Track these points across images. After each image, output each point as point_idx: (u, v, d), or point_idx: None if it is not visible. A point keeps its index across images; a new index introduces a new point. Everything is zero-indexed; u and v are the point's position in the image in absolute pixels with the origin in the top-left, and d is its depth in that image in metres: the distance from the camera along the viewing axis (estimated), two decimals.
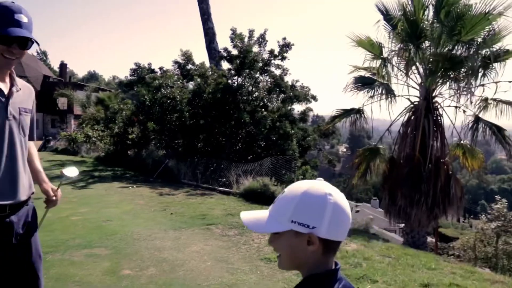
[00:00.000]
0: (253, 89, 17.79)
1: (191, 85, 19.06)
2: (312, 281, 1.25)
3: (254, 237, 6.62)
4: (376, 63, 12.21)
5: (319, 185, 1.26)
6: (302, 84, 19.02)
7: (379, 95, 12.04)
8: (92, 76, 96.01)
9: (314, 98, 19.09)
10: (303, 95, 18.58)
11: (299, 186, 1.26)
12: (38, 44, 2.35)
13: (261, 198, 9.75)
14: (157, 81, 16.64)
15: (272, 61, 18.34)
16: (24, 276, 2.51)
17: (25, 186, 2.46)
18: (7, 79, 2.41)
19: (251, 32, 18.47)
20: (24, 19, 2.26)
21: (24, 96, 2.49)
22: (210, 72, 17.62)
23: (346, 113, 12.85)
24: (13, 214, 2.38)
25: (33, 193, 2.57)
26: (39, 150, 25.08)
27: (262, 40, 18.41)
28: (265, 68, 18.23)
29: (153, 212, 8.65)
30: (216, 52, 21.05)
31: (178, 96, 15.85)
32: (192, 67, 19.49)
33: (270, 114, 16.74)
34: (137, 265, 5.29)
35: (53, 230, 6.63)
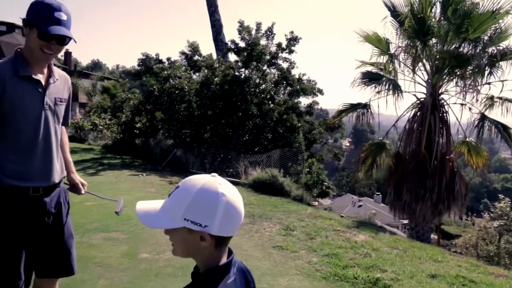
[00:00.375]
0: (260, 81, 17.92)
1: (195, 76, 19.16)
2: (211, 275, 1.31)
3: (265, 226, 6.81)
4: (383, 59, 12.37)
5: (213, 184, 1.28)
6: (309, 77, 19.16)
7: (386, 91, 12.19)
8: (96, 65, 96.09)
9: (321, 91, 19.20)
10: (310, 89, 18.68)
11: (194, 183, 1.29)
12: (75, 41, 2.50)
13: (270, 189, 9.91)
14: (165, 72, 16.76)
15: (280, 54, 18.45)
16: (58, 253, 2.70)
17: (57, 170, 2.65)
18: (45, 71, 2.58)
19: (258, 25, 18.58)
20: (63, 16, 2.40)
21: (60, 86, 2.67)
22: (218, 64, 17.75)
23: (352, 107, 13.01)
24: (46, 195, 2.57)
25: (64, 176, 2.77)
26: None
27: (269, 33, 18.51)
28: (273, 61, 18.35)
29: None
30: (223, 44, 21.14)
31: (186, 87, 15.98)
32: (199, 58, 19.58)
33: (277, 107, 16.89)
34: (154, 249, 5.48)
35: (72, 214, 6.80)
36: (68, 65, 60.85)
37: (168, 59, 19.92)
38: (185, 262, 5.03)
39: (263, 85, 17.90)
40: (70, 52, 61.93)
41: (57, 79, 2.62)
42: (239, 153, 13.37)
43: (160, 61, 19.57)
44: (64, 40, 2.45)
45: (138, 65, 19.67)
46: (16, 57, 2.48)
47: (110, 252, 5.29)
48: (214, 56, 19.87)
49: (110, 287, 4.35)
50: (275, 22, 18.66)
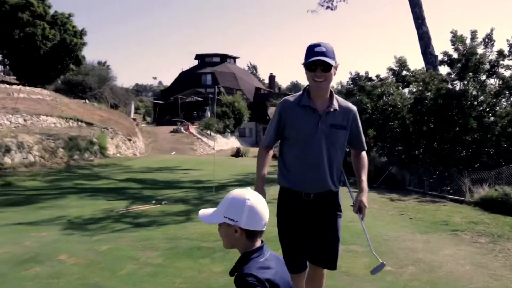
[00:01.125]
0: (478, 93, 16.76)
1: (404, 91, 18.76)
2: (243, 258, 1.85)
3: (510, 247, 6.38)
4: None
5: (244, 192, 1.88)
6: None
7: None
8: (295, 86, 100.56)
9: None
10: None
11: (231, 194, 1.89)
12: (331, 64, 2.97)
13: (502, 207, 9.17)
14: (378, 89, 16.88)
15: (501, 62, 16.99)
16: (321, 248, 3.26)
17: (326, 183, 3.21)
18: (326, 101, 3.15)
19: (473, 33, 17.40)
20: (322, 49, 2.96)
21: (339, 115, 3.17)
22: (430, 78, 17.16)
23: None
24: (316, 200, 3.18)
25: (331, 190, 3.26)
26: (238, 156, 28.10)
27: (488, 40, 17.20)
28: (493, 70, 16.99)
29: (391, 216, 8.88)
30: (433, 57, 20.35)
31: (399, 103, 15.87)
32: (407, 73, 19.17)
33: (499, 119, 15.60)
34: (395, 263, 5.58)
35: None
36: (272, 87, 65.13)
37: (377, 76, 20.01)
38: (430, 278, 5.06)
39: (481, 97, 16.72)
40: (274, 76, 66.40)
41: (335, 109, 3.14)
42: (459, 170, 12.65)
43: (370, 79, 19.75)
44: (327, 67, 2.97)
45: (348, 84, 20.19)
46: (303, 92, 3.20)
47: (353, 263, 5.56)
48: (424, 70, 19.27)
49: None
50: (494, 27, 17.27)
